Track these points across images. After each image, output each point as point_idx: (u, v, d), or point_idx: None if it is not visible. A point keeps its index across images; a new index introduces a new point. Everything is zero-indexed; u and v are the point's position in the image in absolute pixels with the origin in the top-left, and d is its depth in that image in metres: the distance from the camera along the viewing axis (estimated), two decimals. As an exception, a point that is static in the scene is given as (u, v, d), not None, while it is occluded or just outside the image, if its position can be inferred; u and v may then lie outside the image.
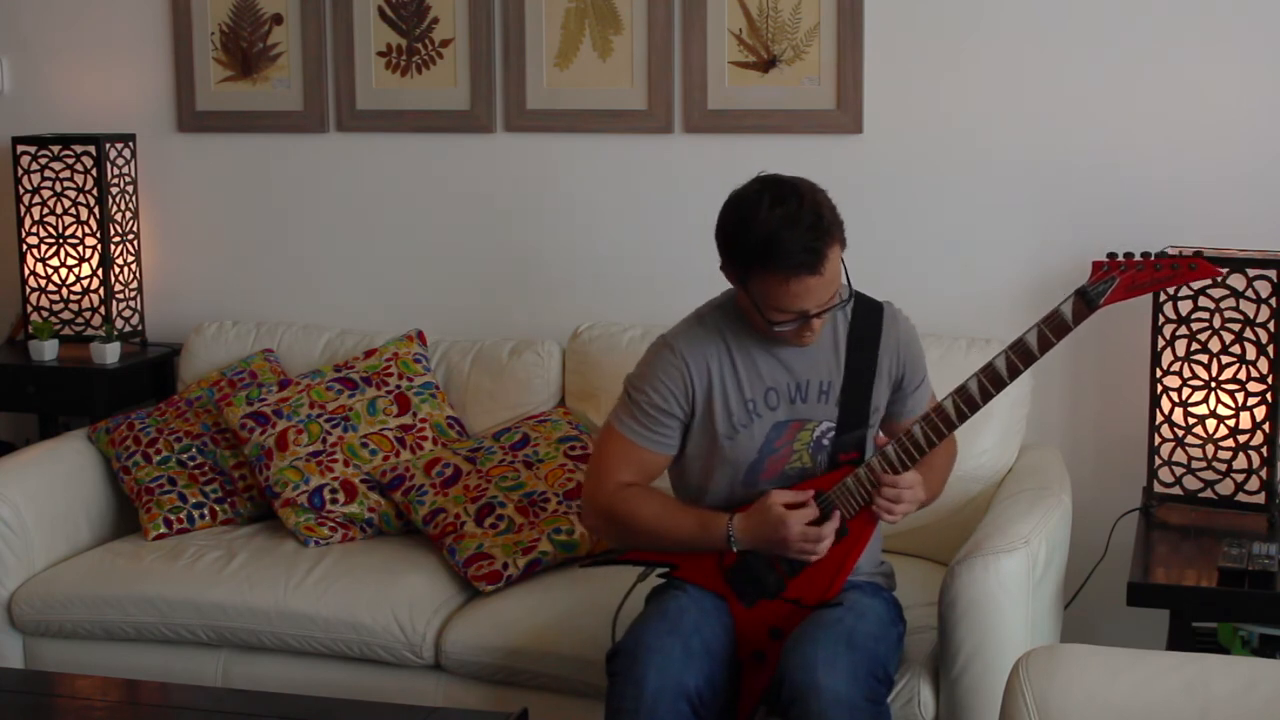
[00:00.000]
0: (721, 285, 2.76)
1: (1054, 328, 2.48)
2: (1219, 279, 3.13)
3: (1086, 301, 2.45)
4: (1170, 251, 2.96)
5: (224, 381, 3.76)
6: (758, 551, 2.67)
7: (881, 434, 2.80)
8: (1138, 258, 2.44)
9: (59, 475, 3.59)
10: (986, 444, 3.28)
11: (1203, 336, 3.18)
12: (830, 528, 2.61)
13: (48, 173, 4.07)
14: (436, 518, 3.37)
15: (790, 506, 2.61)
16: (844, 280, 2.62)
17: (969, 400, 2.53)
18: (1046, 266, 3.46)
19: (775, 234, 2.52)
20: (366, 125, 4.00)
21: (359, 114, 3.99)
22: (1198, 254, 2.43)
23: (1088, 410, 3.59)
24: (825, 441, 2.72)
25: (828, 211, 2.56)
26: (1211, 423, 3.20)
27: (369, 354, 3.74)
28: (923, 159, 3.61)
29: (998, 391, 2.53)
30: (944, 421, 2.55)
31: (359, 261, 4.06)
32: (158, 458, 3.63)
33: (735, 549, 2.66)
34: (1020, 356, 2.50)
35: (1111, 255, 2.46)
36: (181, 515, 3.55)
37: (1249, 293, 3.12)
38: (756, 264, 2.55)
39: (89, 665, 3.30)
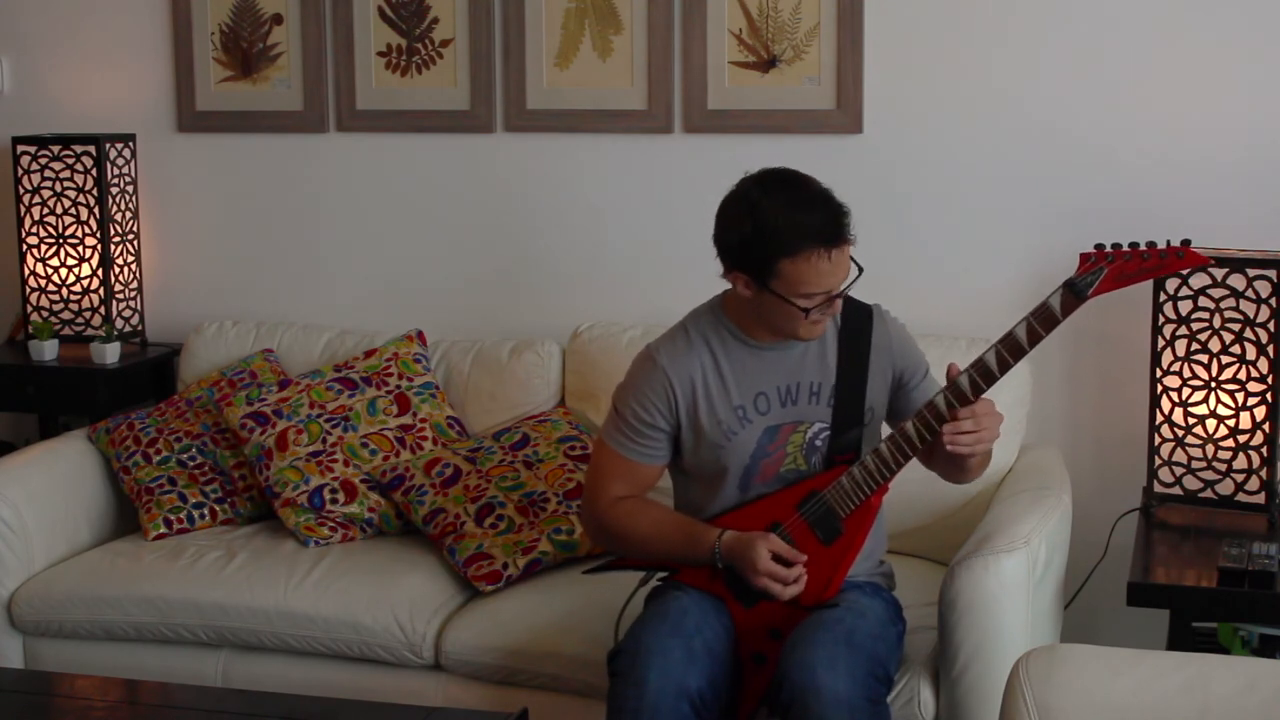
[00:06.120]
0: (722, 285, 2.77)
1: (1042, 320, 2.47)
2: (1214, 275, 3.14)
3: (1075, 293, 2.44)
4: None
5: (224, 381, 3.76)
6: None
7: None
8: (1125, 248, 2.43)
9: (59, 475, 3.59)
10: (986, 444, 3.28)
11: (1203, 336, 3.18)
12: (797, 578, 2.60)
13: (48, 173, 4.07)
14: (436, 518, 3.37)
15: (779, 559, 2.60)
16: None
17: (960, 396, 2.53)
18: (1046, 267, 3.46)
19: (794, 218, 2.54)
20: (366, 125, 4.00)
21: (359, 114, 3.99)
22: (1185, 242, 2.42)
23: (1088, 410, 3.59)
24: (818, 443, 2.72)
25: (824, 186, 2.61)
26: (1211, 423, 3.20)
27: (369, 354, 3.74)
28: (922, 159, 3.61)
29: (989, 386, 2.52)
30: (936, 418, 2.55)
31: (359, 261, 4.06)
32: (158, 458, 3.63)
33: (720, 565, 2.67)
34: (1010, 350, 2.49)
35: (1099, 246, 2.45)
36: (181, 515, 3.55)
37: (1249, 293, 3.12)
38: (782, 253, 2.55)
39: (89, 665, 3.30)
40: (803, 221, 2.54)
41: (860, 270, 2.63)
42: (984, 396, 2.53)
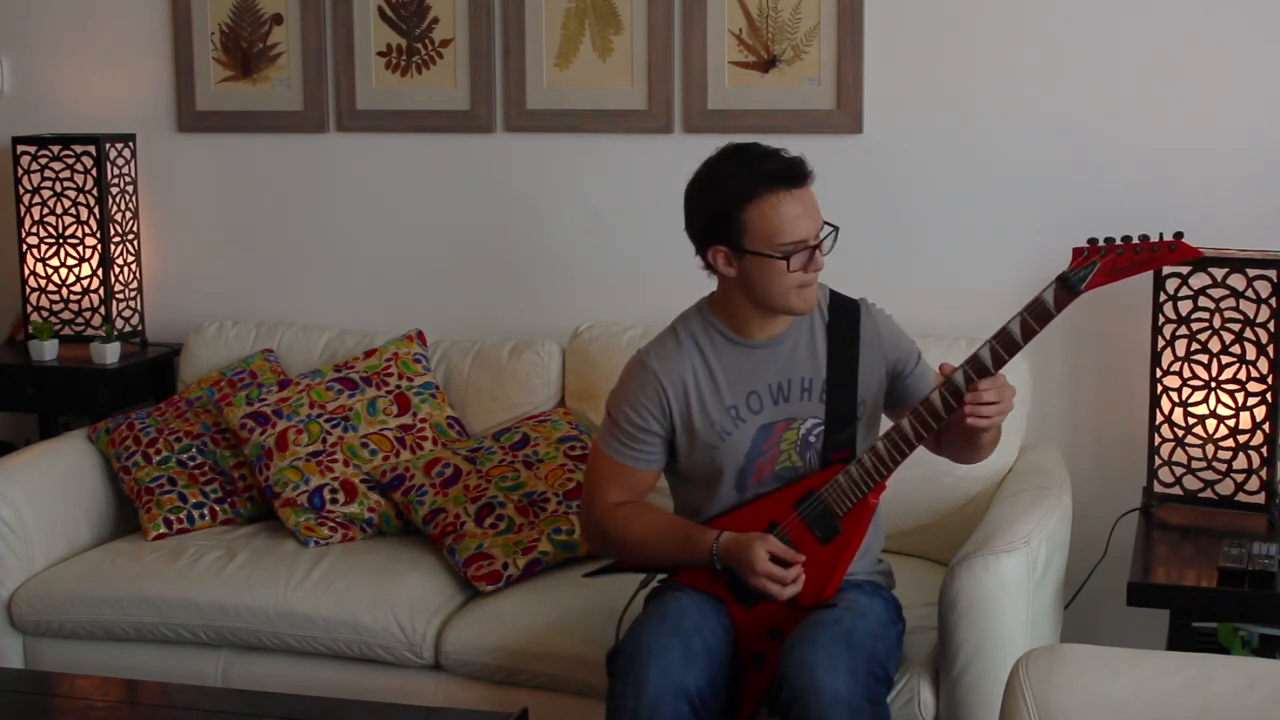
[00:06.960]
0: (713, 286, 2.77)
1: (1036, 315, 2.47)
2: (1214, 275, 3.14)
3: (1068, 287, 2.45)
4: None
5: (224, 381, 3.76)
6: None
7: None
8: (1118, 241, 2.44)
9: (59, 475, 3.59)
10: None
11: (1203, 336, 3.18)
12: (795, 578, 2.60)
13: (48, 173, 4.07)
14: (436, 518, 3.37)
15: (777, 560, 2.61)
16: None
17: (955, 392, 2.53)
18: (1046, 266, 3.43)
19: (751, 167, 2.62)
20: (366, 125, 4.00)
21: (359, 114, 3.99)
22: (1178, 234, 2.43)
23: (1088, 410, 3.59)
24: (812, 439, 2.72)
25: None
26: (1211, 423, 3.20)
27: (369, 354, 3.74)
28: (922, 159, 3.61)
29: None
30: (931, 415, 2.55)
31: (359, 261, 4.06)
32: (158, 458, 3.63)
33: (718, 565, 2.67)
34: (1004, 345, 2.49)
35: (1092, 240, 2.45)
36: (181, 515, 3.55)
37: (1249, 293, 3.13)
38: (745, 200, 2.61)
39: (89, 665, 3.30)
40: (758, 168, 2.62)
41: (836, 229, 2.66)
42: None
